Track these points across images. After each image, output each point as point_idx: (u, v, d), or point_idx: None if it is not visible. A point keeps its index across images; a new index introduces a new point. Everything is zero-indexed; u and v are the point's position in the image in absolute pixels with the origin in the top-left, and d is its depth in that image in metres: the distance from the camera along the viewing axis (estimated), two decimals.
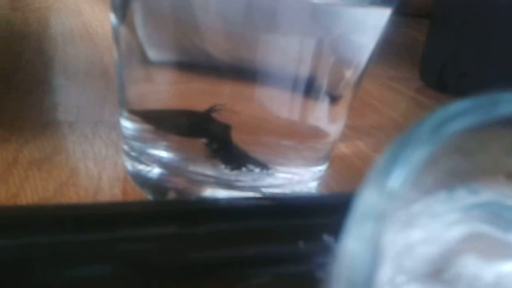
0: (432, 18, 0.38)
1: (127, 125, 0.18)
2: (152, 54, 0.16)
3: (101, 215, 0.11)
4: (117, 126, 0.22)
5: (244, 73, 0.16)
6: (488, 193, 0.08)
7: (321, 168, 0.19)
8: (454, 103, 0.06)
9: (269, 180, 0.17)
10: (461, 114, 0.06)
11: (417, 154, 0.06)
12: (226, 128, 0.16)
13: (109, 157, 0.20)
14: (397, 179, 0.07)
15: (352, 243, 0.07)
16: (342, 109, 0.18)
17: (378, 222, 0.07)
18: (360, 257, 0.07)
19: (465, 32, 0.33)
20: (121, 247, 0.11)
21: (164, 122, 0.17)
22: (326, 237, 0.12)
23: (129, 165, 0.18)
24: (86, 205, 0.13)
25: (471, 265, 0.09)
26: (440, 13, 0.36)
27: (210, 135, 0.16)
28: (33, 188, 0.17)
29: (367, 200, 0.07)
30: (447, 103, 0.07)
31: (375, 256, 0.07)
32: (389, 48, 0.43)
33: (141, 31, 0.16)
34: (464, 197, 0.08)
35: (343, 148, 0.23)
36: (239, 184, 0.17)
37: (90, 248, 0.11)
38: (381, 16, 0.16)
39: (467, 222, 0.09)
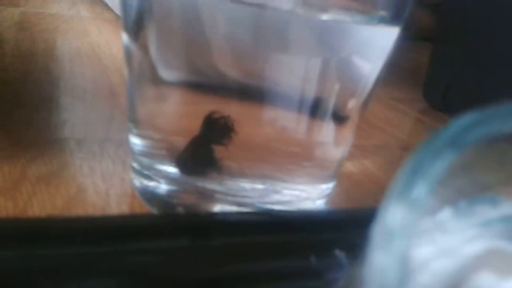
0: (435, 41, 0.38)
1: (136, 141, 0.18)
2: (164, 73, 0.16)
3: (111, 228, 0.11)
4: (124, 144, 0.22)
5: (253, 92, 0.16)
6: (508, 206, 0.08)
7: (328, 186, 0.19)
8: (473, 112, 0.06)
9: (276, 197, 0.17)
10: (482, 122, 0.06)
11: (440, 164, 0.06)
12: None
13: (117, 173, 0.20)
14: (421, 190, 0.07)
15: (383, 259, 0.07)
16: (349, 129, 0.18)
17: (406, 235, 0.07)
18: (392, 272, 0.07)
19: (468, 53, 0.33)
20: (132, 260, 0.11)
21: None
22: (338, 253, 0.12)
23: (137, 181, 0.18)
24: (97, 218, 0.13)
25: (488, 281, 0.09)
26: (443, 35, 0.37)
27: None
28: (41, 204, 0.17)
29: (394, 213, 0.07)
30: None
31: (405, 271, 0.07)
32: (392, 71, 0.43)
33: (154, 51, 0.16)
34: (484, 210, 0.08)
35: (350, 167, 0.23)
36: (246, 200, 0.17)
37: (100, 261, 0.11)
38: (389, 35, 0.16)
39: (485, 238, 0.09)
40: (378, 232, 0.06)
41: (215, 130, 0.16)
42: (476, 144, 0.07)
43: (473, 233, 0.08)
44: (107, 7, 0.53)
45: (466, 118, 0.06)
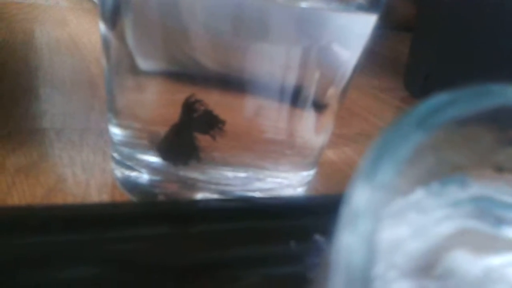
0: (415, 30, 0.39)
1: (116, 131, 0.18)
2: (142, 63, 0.16)
3: (92, 216, 0.11)
4: (104, 133, 0.22)
5: (232, 81, 0.16)
6: (477, 187, 0.08)
7: (309, 173, 0.19)
8: (442, 94, 0.06)
9: (258, 185, 0.17)
10: (449, 104, 0.06)
11: (406, 146, 0.06)
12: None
13: (97, 163, 0.20)
14: (387, 171, 0.07)
15: (349, 239, 0.07)
16: (329, 117, 0.18)
17: (372, 216, 0.07)
18: (358, 252, 0.07)
19: (448, 42, 0.34)
20: (112, 248, 0.11)
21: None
22: (317, 237, 0.12)
23: (118, 171, 0.18)
24: (76, 206, 0.13)
25: (461, 260, 0.09)
26: (423, 24, 0.37)
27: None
28: (21, 194, 0.17)
29: (360, 195, 0.07)
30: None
31: (371, 251, 0.07)
32: (373, 60, 0.44)
33: (131, 40, 0.16)
34: (454, 191, 0.08)
35: (331, 155, 0.23)
36: (228, 188, 0.17)
37: (80, 249, 0.11)
38: (367, 22, 0.16)
39: (456, 218, 0.09)
40: (345, 213, 0.07)
41: (194, 116, 0.16)
42: (445, 126, 0.07)
43: (443, 213, 0.08)
44: None
45: (434, 100, 0.06)
